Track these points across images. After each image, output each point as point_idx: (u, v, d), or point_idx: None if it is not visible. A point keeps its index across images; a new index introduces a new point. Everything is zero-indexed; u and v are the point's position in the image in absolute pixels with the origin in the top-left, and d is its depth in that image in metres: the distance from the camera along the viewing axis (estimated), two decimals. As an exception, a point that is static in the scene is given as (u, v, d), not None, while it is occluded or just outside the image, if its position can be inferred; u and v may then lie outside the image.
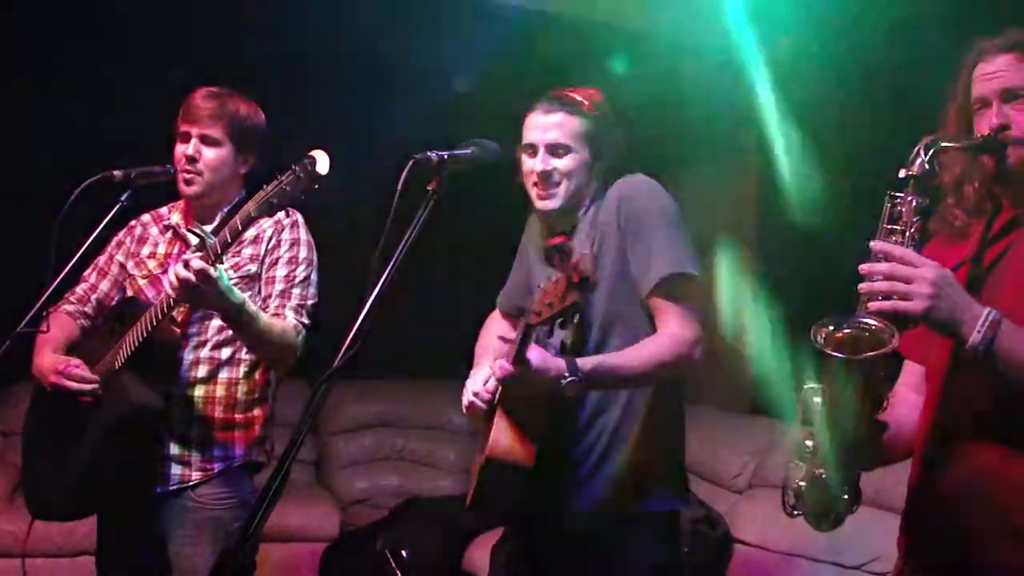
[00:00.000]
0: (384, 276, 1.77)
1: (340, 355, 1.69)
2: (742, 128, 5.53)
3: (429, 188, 1.94)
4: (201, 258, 2.26)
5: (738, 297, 5.61)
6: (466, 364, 2.60)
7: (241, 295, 2.40)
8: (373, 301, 1.75)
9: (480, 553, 4.30)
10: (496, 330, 2.64)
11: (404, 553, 4.43)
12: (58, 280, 2.53)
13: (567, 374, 2.08)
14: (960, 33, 1.88)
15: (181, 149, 2.62)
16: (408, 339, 5.37)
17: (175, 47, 4.67)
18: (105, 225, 2.63)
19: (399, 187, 1.82)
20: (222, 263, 2.36)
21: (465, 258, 5.62)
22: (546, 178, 2.34)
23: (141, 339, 2.48)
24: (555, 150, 2.33)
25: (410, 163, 1.90)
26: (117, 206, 2.63)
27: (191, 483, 2.58)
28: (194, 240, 2.41)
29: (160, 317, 2.44)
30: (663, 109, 5.50)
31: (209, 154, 2.60)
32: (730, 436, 4.79)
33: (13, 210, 4.58)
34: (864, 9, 4.23)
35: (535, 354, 2.05)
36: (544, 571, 2.41)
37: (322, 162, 2.16)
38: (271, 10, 4.64)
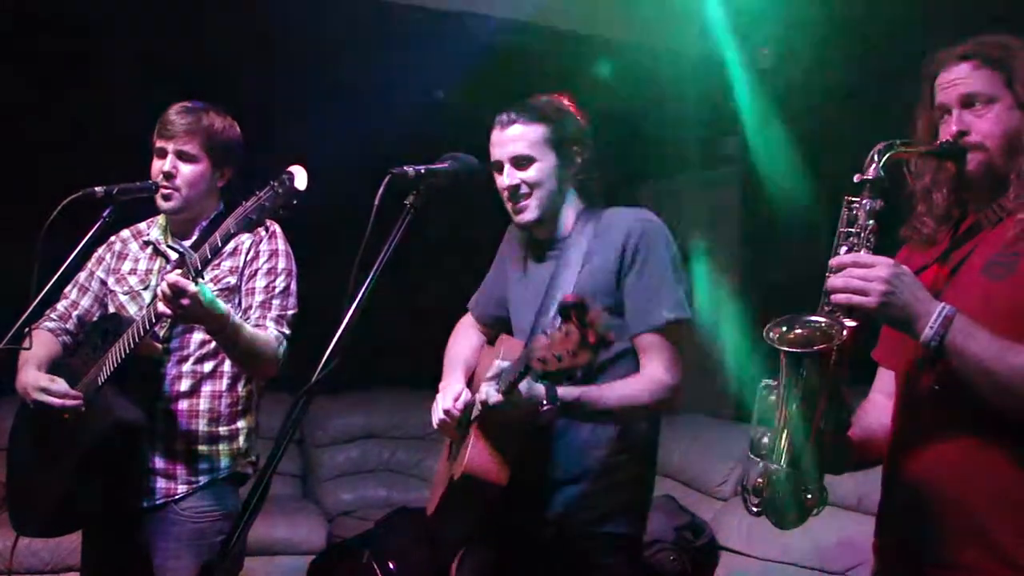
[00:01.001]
0: (363, 289, 1.78)
1: (319, 368, 1.70)
2: (725, 137, 5.58)
3: (407, 202, 1.96)
4: (181, 274, 2.27)
5: (722, 306, 5.64)
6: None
7: (226, 308, 2.41)
8: (352, 314, 1.77)
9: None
10: (469, 339, 2.65)
11: (391, 565, 4.43)
12: (40, 297, 2.53)
13: (545, 401, 2.10)
14: (934, 40, 1.91)
15: (158, 165, 2.62)
16: (393, 351, 5.38)
17: (154, 62, 4.68)
18: (87, 242, 2.63)
19: (376, 201, 1.83)
20: (203, 278, 2.36)
21: (450, 269, 5.63)
22: (515, 191, 2.36)
23: (124, 355, 2.48)
24: (519, 162, 2.35)
25: (387, 177, 1.91)
26: (99, 223, 2.63)
27: (176, 496, 2.58)
28: (174, 256, 2.41)
29: (142, 333, 2.44)
30: (646, 118, 5.54)
31: (186, 169, 2.61)
32: (715, 444, 4.80)
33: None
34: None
35: (523, 383, 2.07)
36: None
37: (300, 177, 2.16)
38: (252, 24, 4.65)
